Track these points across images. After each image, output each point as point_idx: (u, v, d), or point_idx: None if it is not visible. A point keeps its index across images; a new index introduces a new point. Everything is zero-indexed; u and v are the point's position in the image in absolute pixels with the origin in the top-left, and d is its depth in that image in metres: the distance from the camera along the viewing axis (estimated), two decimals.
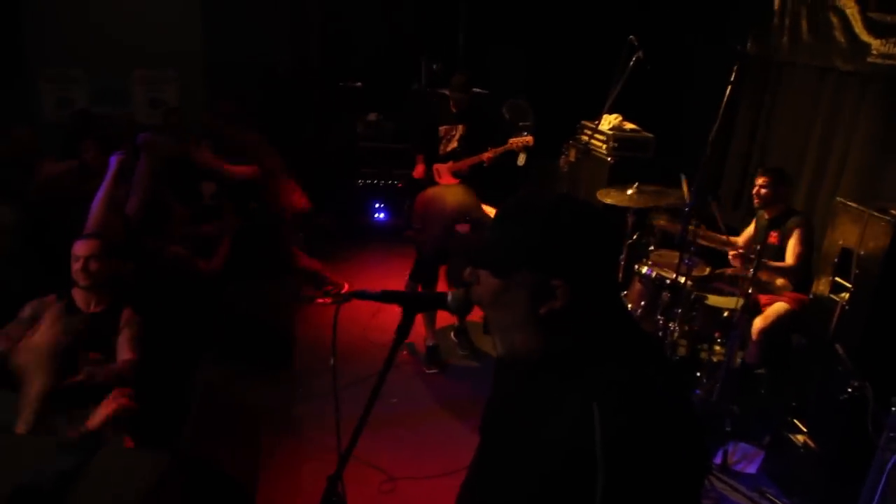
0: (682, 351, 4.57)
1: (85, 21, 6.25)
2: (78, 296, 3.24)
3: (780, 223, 4.57)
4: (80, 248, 3.21)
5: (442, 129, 5.44)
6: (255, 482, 3.57)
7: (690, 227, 4.04)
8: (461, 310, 1.45)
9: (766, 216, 4.65)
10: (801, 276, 4.41)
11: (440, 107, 5.65)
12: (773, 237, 4.56)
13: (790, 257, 4.44)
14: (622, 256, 4.92)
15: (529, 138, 5.24)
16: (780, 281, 4.27)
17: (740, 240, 4.88)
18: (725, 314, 4.36)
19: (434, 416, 4.39)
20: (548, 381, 1.28)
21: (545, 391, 1.27)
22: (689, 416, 1.22)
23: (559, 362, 1.26)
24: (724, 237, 4.52)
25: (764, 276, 4.09)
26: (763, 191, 4.56)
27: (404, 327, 1.46)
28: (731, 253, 4.40)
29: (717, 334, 4.46)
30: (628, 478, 1.11)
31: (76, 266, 3.18)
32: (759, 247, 3.92)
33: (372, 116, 7.34)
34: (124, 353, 3.16)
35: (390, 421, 4.20)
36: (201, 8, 6.47)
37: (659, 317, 4.44)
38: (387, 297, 1.48)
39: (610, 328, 1.27)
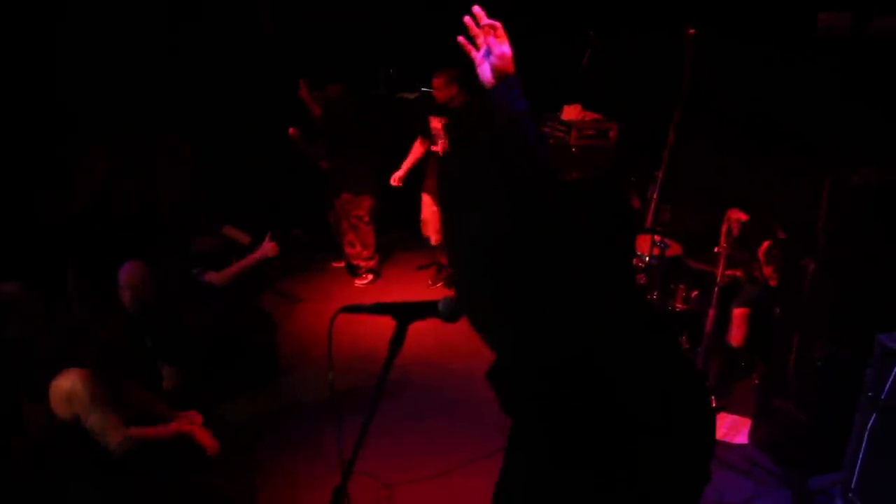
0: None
1: None
2: None
3: None
4: None
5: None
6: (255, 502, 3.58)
7: None
8: (452, 317, 1.48)
9: None
10: None
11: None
12: None
13: None
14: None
15: None
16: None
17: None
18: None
19: (419, 418, 4.40)
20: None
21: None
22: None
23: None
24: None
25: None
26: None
27: (397, 338, 1.48)
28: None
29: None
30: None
31: None
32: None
33: None
34: None
35: (377, 426, 4.20)
36: None
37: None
38: (377, 308, 1.50)
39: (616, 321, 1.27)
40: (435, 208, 6.06)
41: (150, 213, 5.10)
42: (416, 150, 6.11)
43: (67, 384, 2.75)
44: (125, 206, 5.09)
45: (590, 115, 5.78)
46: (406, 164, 6.15)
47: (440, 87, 5.66)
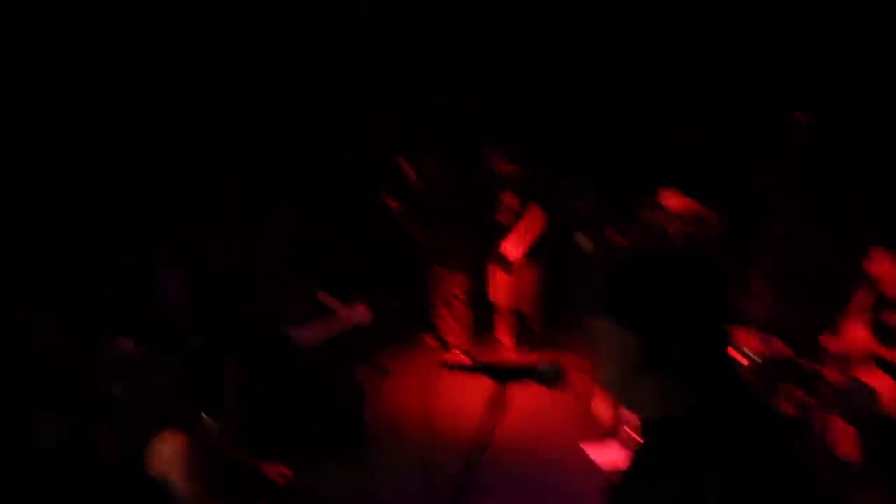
0: None
1: None
2: None
3: None
4: None
5: None
6: None
7: None
8: (552, 380, 1.47)
9: None
10: None
11: None
12: None
13: None
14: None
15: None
16: None
17: None
18: None
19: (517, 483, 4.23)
20: (666, 440, 1.28)
21: (664, 449, 1.28)
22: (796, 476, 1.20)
23: (671, 422, 1.26)
24: None
25: None
26: None
27: (497, 400, 1.47)
28: None
29: None
30: None
31: None
32: None
33: None
34: None
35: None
36: None
37: None
38: (477, 368, 1.51)
39: (711, 387, 1.26)
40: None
41: (245, 279, 5.23)
42: None
43: (169, 450, 2.86)
44: (219, 271, 5.21)
45: (688, 202, 5.68)
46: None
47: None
